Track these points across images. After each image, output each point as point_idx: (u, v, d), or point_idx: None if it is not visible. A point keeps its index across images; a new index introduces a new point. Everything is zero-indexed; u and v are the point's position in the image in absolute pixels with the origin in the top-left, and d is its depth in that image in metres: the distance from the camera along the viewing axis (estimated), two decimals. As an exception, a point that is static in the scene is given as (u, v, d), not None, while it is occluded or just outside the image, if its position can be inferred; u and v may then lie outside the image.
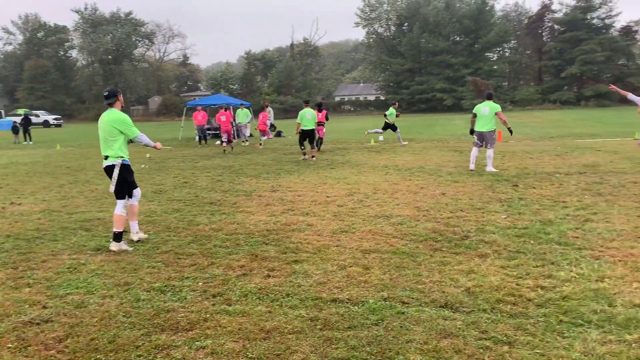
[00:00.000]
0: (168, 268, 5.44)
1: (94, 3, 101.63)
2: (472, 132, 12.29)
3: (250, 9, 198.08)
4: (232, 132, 21.45)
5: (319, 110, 18.07)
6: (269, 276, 5.07)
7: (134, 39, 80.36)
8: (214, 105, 30.47)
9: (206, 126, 24.80)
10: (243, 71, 79.62)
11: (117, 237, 6.14)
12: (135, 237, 6.53)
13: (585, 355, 3.36)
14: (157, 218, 7.89)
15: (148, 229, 7.13)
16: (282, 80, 69.02)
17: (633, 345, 3.48)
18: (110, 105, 6.30)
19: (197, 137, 24.50)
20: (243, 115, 23.25)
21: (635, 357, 3.32)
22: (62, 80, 77.78)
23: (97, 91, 76.89)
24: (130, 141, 6.44)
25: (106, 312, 4.30)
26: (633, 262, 5.10)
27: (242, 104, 25.13)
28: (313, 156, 15.74)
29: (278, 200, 9.08)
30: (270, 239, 6.41)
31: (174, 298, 4.59)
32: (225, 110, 20.65)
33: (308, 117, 15.76)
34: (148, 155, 15.39)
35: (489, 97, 12.22)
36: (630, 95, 11.27)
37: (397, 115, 20.17)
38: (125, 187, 6.36)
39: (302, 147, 16.03)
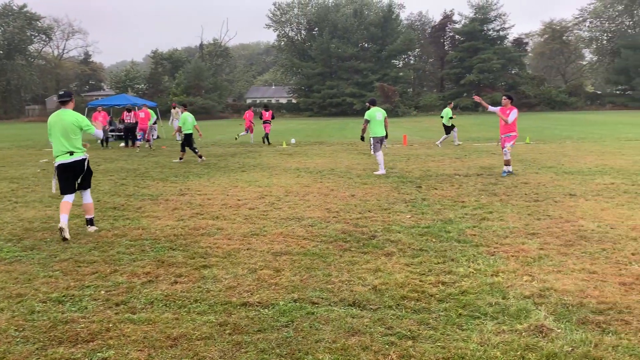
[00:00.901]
0: (67, 277, 5.13)
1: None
2: (363, 138, 12.70)
3: (157, 7, 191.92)
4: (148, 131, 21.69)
5: (266, 111, 21.95)
6: (176, 282, 4.94)
7: (28, 33, 75.00)
8: (117, 105, 29.22)
9: (108, 127, 23.71)
10: (150, 71, 76.89)
11: (91, 222, 7.06)
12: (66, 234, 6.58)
13: (481, 346, 3.58)
14: (55, 224, 7.41)
15: (45, 236, 6.69)
16: (191, 81, 67.41)
17: (523, 334, 3.75)
18: (64, 104, 6.90)
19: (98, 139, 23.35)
20: None
21: (525, 344, 3.58)
22: (-56, 75, 70.97)
23: (-15, 88, 71.03)
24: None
25: (-5, 327, 3.98)
26: (524, 257, 5.51)
27: (144, 105, 24.20)
28: (181, 158, 15.89)
29: (186, 204, 8.86)
30: (177, 244, 6.24)
31: (73, 308, 4.34)
32: (147, 109, 21.24)
33: (190, 120, 16.10)
34: (45, 159, 14.42)
35: (375, 103, 12.80)
36: (490, 108, 12.10)
37: (452, 117, 20.39)
38: (88, 177, 7.09)
39: (197, 151, 16.00)
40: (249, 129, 23.52)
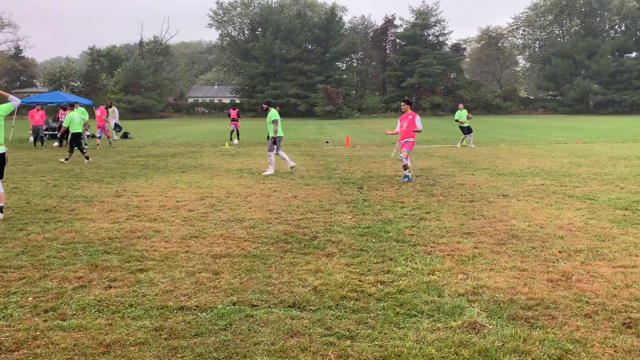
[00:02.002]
0: (-10, 284, 4.84)
1: None
2: (274, 138, 12.69)
3: (94, 1, 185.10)
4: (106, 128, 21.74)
5: (233, 109, 24.39)
6: (110, 287, 4.76)
7: (-49, 25, 70.62)
8: (51, 103, 28.00)
9: (44, 127, 22.60)
10: (86, 68, 74.04)
11: (1, 209, 7.45)
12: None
13: (417, 343, 3.66)
14: (-21, 228, 7.00)
15: (-34, 241, 6.29)
16: (130, 79, 65.43)
17: (457, 330, 3.86)
18: None
19: (31, 138, 22.23)
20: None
21: (459, 341, 3.69)
22: None
23: None
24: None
25: None
26: (459, 256, 5.68)
27: (76, 102, 23.09)
28: (67, 159, 15.41)
29: (122, 206, 8.58)
30: (112, 248, 6.03)
31: (-4, 317, 4.10)
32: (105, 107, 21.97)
33: (77, 120, 15.72)
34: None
35: (271, 104, 13.12)
36: (387, 131, 12.28)
37: (468, 117, 20.41)
38: (3, 168, 7.69)
39: (85, 151, 15.58)
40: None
